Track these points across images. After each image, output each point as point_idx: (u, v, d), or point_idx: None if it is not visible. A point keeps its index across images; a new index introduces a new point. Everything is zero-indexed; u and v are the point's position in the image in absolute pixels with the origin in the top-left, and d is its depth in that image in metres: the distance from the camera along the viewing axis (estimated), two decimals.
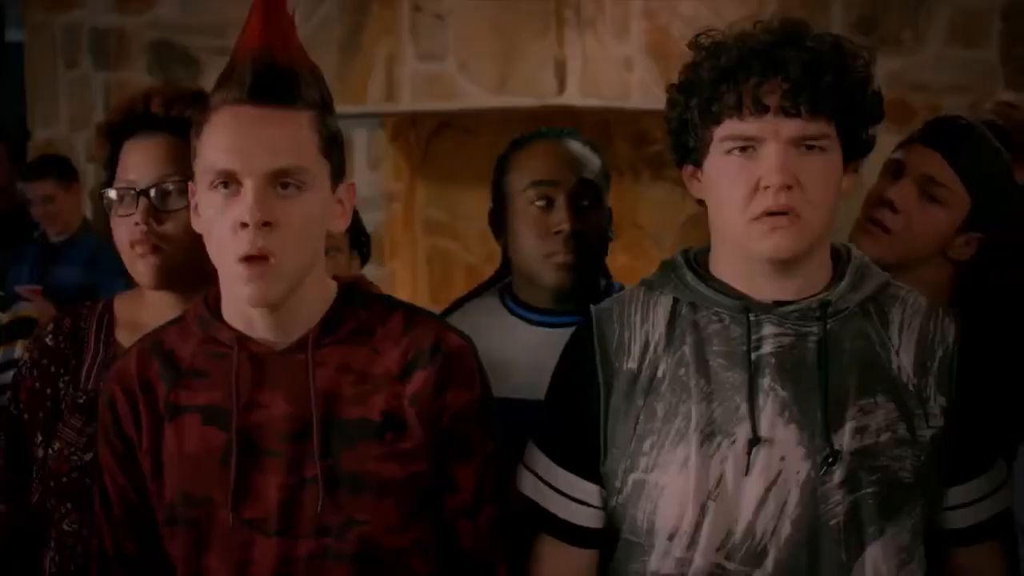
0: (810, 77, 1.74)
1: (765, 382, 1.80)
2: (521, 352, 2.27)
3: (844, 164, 1.80)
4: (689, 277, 1.87)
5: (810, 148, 1.75)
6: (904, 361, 1.84)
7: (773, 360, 1.80)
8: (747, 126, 1.76)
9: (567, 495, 1.91)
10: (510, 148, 2.39)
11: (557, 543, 1.93)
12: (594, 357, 1.89)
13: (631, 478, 1.85)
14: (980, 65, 5.12)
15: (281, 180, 1.73)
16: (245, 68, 1.75)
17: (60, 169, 5.42)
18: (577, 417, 1.90)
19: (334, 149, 1.81)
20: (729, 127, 1.77)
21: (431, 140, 5.75)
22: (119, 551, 1.88)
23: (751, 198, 1.76)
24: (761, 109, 1.75)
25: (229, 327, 1.82)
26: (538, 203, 2.28)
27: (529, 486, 1.94)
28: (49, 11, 6.00)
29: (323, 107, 1.79)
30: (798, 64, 1.74)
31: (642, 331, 1.88)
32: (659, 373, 1.85)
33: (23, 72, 6.16)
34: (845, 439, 1.79)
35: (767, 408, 1.80)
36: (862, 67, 1.79)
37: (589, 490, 1.90)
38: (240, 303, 1.79)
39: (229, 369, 1.80)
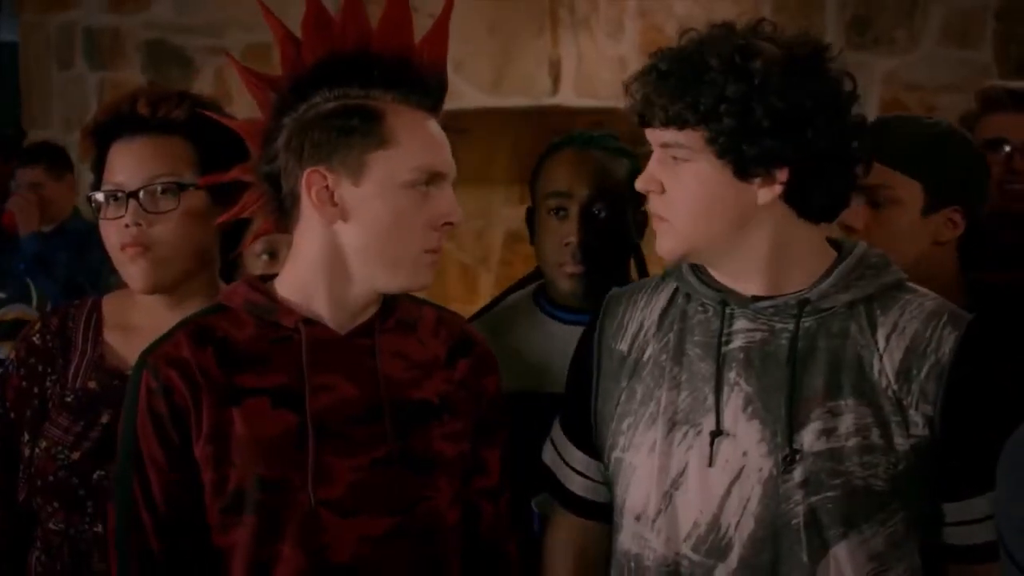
0: (659, 90, 1.76)
1: (731, 375, 1.82)
2: (551, 349, 2.34)
3: (740, 174, 1.76)
4: (685, 267, 1.90)
5: (675, 157, 1.78)
6: (887, 366, 1.80)
7: (741, 355, 1.82)
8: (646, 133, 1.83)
9: (571, 466, 2.00)
10: (544, 153, 2.44)
11: (564, 512, 2.03)
12: (593, 337, 1.96)
13: (613, 455, 1.92)
14: (974, 65, 5.13)
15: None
16: (439, 81, 1.87)
17: (52, 158, 5.37)
18: (578, 393, 1.98)
19: None
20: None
21: None
22: (166, 547, 1.83)
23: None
24: (636, 116, 1.82)
25: (292, 312, 1.85)
26: (552, 213, 2.34)
27: (548, 456, 2.04)
28: (43, 11, 5.99)
29: None
30: (652, 77, 1.78)
31: (640, 315, 1.94)
32: (644, 357, 1.90)
33: (17, 72, 6.16)
34: (808, 439, 1.78)
35: (731, 402, 1.81)
36: (751, 80, 1.72)
37: (588, 463, 1.98)
38: (406, 285, 1.87)
39: (294, 352, 1.84)
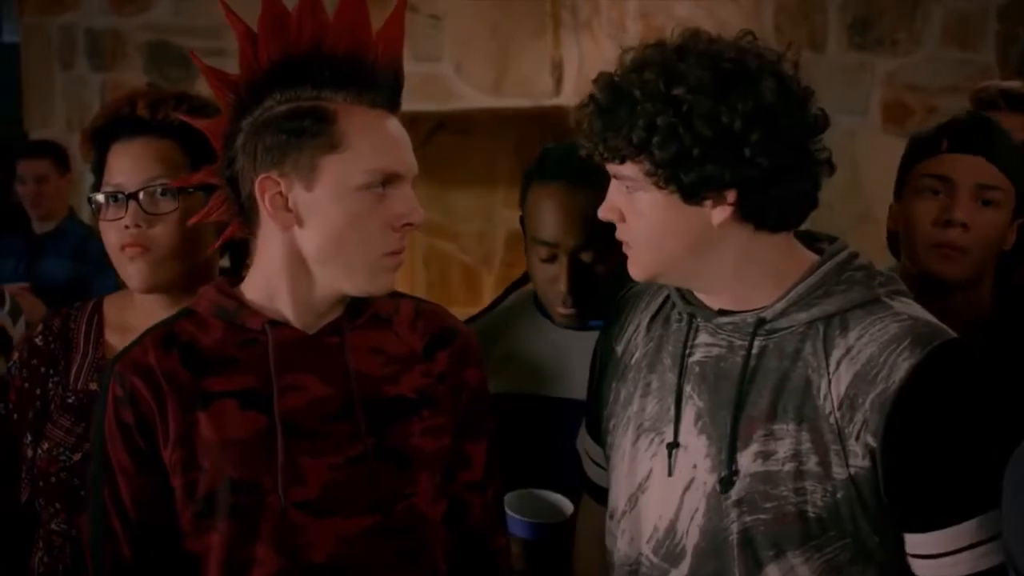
0: (596, 124, 1.74)
1: (688, 389, 1.82)
2: (548, 352, 2.33)
3: (687, 199, 1.72)
4: None
5: (627, 187, 1.77)
6: (833, 391, 1.73)
7: (697, 368, 1.81)
8: None
9: (591, 457, 2.05)
10: (535, 169, 2.33)
11: (589, 499, 2.09)
12: (600, 336, 2.01)
13: (606, 451, 1.95)
14: (975, 66, 5.13)
15: (414, 182, 1.85)
16: (393, 79, 1.83)
17: (57, 154, 5.41)
18: (590, 388, 2.02)
19: None
20: None
21: (427, 141, 5.76)
22: (138, 555, 1.83)
23: None
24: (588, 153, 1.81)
25: (258, 314, 1.84)
26: (541, 257, 2.27)
27: (579, 443, 2.09)
28: (45, 13, 6.00)
29: None
30: (591, 110, 1.75)
31: (637, 319, 1.94)
32: (632, 360, 1.92)
33: (19, 73, 6.16)
34: (746, 460, 1.75)
35: (685, 415, 1.81)
36: (677, 108, 1.68)
37: (601, 454, 2.00)
38: (367, 289, 1.83)
39: (261, 354, 1.82)
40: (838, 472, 1.72)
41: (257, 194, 1.79)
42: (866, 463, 1.71)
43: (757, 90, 1.70)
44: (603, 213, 1.81)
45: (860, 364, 1.72)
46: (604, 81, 1.76)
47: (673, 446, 1.81)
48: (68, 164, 5.41)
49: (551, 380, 2.30)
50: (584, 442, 2.06)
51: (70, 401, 2.10)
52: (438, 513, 1.90)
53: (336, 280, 1.82)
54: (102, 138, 2.11)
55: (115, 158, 2.08)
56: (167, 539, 1.82)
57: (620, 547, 1.88)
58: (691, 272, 1.80)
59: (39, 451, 2.09)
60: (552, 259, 2.25)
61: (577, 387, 2.11)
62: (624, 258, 2.31)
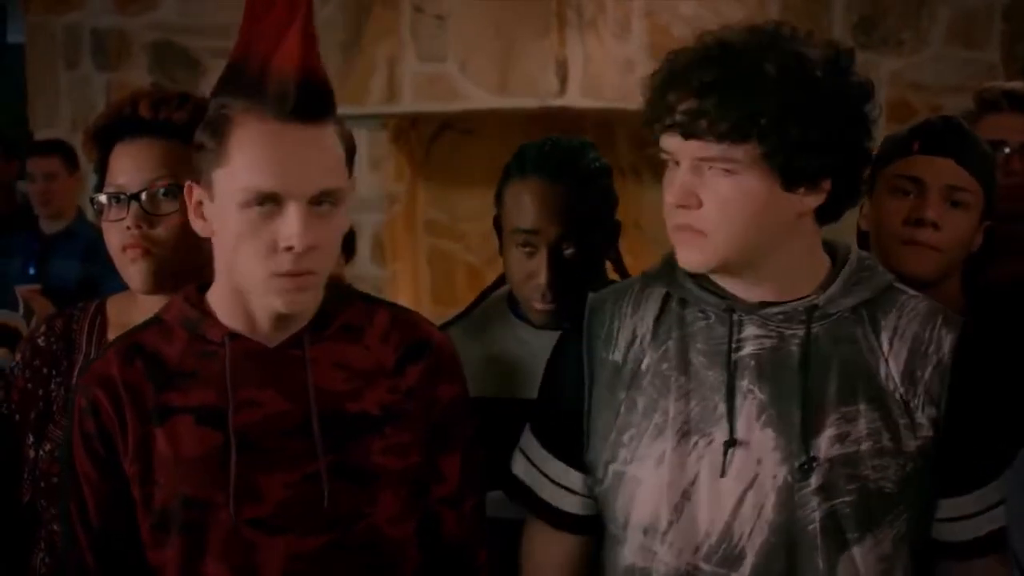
0: (708, 102, 1.67)
1: (744, 384, 1.79)
2: (526, 354, 2.30)
3: (790, 186, 1.71)
4: (680, 273, 1.85)
5: (727, 171, 1.70)
6: (892, 369, 1.79)
7: (752, 362, 1.79)
8: (667, 142, 1.75)
9: (554, 481, 1.94)
10: (513, 165, 2.32)
11: (544, 526, 1.97)
12: (581, 347, 1.91)
13: (611, 469, 1.87)
14: (981, 65, 5.13)
15: (320, 199, 1.71)
16: (287, 86, 1.68)
17: (66, 152, 5.41)
18: (564, 405, 1.92)
19: (351, 158, 1.84)
20: (662, 140, 1.76)
21: (432, 141, 5.76)
22: (100, 563, 1.81)
23: (670, 210, 1.76)
24: (674, 127, 1.72)
25: (219, 325, 1.81)
26: (519, 247, 2.25)
27: (521, 468, 1.98)
28: (50, 12, 6.01)
29: (336, 117, 1.77)
30: (702, 85, 1.68)
31: (631, 323, 1.89)
32: (643, 367, 1.86)
33: (24, 73, 6.16)
34: (823, 445, 1.76)
35: (744, 410, 1.78)
36: (813, 90, 1.67)
37: (574, 478, 1.93)
38: (265, 308, 1.77)
39: (219, 367, 1.78)
40: (907, 446, 1.79)
41: (186, 199, 1.79)
42: (931, 433, 1.79)
43: (864, 78, 1.74)
44: (680, 197, 1.73)
45: (909, 341, 1.81)
46: (703, 57, 1.71)
47: (730, 444, 1.78)
48: (77, 163, 5.40)
49: (530, 383, 2.24)
50: (545, 468, 1.95)
51: None
52: (404, 531, 1.84)
53: (247, 294, 1.78)
54: (104, 138, 2.11)
55: (117, 158, 2.08)
56: (130, 549, 1.81)
57: (666, 561, 1.81)
58: (755, 261, 1.78)
59: (41, 452, 2.09)
60: (531, 253, 2.23)
61: None
62: (600, 255, 2.30)
